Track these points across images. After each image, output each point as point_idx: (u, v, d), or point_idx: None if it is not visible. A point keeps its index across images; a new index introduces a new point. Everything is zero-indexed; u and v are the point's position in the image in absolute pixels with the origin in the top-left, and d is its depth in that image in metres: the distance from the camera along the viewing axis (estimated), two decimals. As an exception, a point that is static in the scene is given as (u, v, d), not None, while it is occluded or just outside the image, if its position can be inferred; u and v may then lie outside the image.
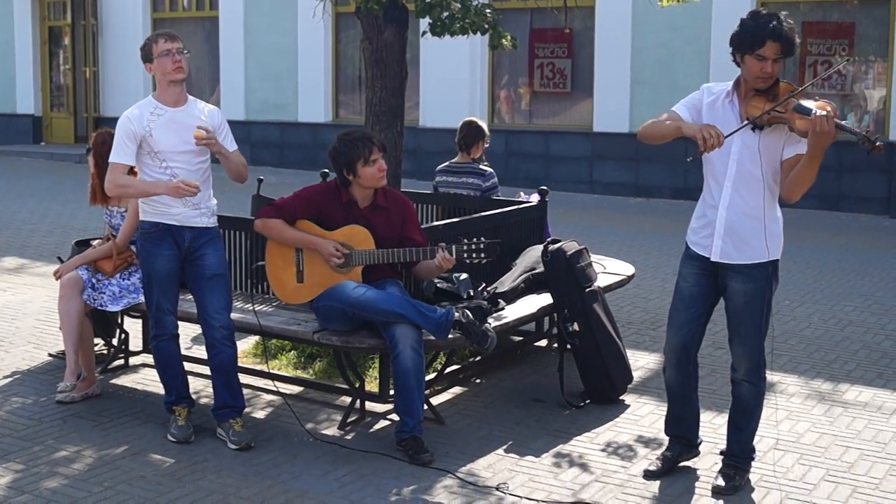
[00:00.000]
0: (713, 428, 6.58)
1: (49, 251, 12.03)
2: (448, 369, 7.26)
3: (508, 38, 8.24)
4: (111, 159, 6.32)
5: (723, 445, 5.97)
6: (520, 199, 8.79)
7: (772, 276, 5.62)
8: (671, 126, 5.51)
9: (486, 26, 7.78)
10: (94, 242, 7.56)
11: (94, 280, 7.18)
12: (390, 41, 8.12)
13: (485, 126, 9.13)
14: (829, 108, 5.18)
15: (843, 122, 5.17)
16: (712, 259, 5.62)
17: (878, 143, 5.12)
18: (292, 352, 7.88)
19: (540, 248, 7.59)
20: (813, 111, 5.16)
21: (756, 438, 5.94)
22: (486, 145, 9.10)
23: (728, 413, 5.93)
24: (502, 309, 7.07)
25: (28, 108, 25.14)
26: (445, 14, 7.61)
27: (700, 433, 6.14)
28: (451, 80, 19.28)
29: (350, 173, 6.45)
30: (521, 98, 19.57)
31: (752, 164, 5.46)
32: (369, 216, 6.50)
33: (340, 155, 6.47)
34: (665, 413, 6.13)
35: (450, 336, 6.24)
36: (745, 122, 5.38)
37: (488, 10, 7.80)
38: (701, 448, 6.14)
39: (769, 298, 5.65)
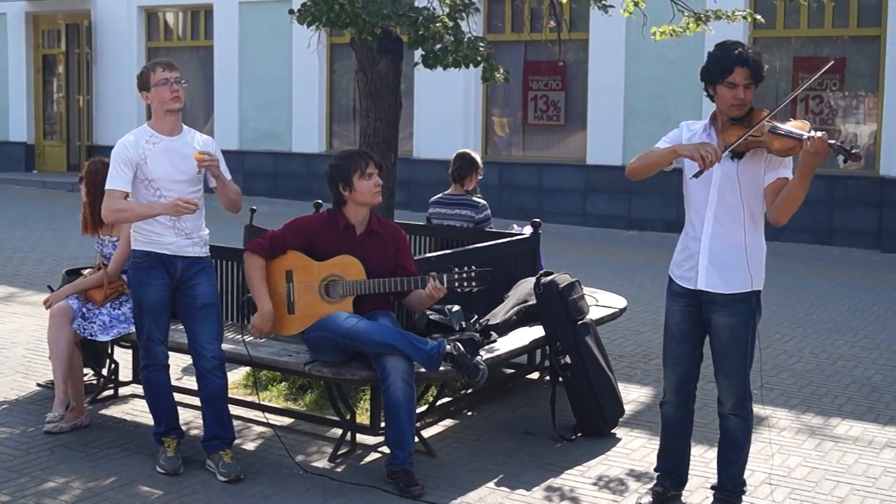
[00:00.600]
0: (704, 462, 6.56)
1: (39, 280, 11.99)
2: (440, 402, 7.23)
3: (501, 71, 8.25)
4: (108, 186, 6.29)
5: (714, 480, 5.95)
6: (513, 231, 8.80)
7: (755, 309, 5.63)
8: (665, 151, 5.53)
9: (479, 59, 7.80)
10: (85, 272, 7.54)
11: (84, 309, 7.16)
12: (384, 72, 8.13)
13: (478, 158, 9.18)
14: (807, 127, 5.30)
15: (831, 140, 5.23)
16: (697, 288, 5.62)
17: (853, 151, 5.21)
18: (283, 383, 7.85)
19: (532, 280, 7.59)
20: (793, 132, 5.28)
21: (747, 472, 5.93)
22: (480, 177, 9.13)
23: (717, 447, 5.91)
24: (494, 341, 7.05)
25: (21, 136, 25.14)
26: (438, 46, 7.62)
27: (690, 468, 6.12)
28: (446, 111, 19.32)
29: (346, 188, 6.46)
30: (514, 130, 19.60)
31: (732, 193, 5.49)
32: (364, 242, 6.51)
33: (337, 169, 6.50)
34: (658, 447, 6.11)
35: (441, 368, 6.22)
36: (725, 148, 5.40)
37: (481, 44, 7.82)
38: (692, 483, 6.13)
39: (753, 331, 5.65)
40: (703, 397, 7.69)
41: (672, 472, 6.02)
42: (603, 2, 8.65)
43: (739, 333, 5.61)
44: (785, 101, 5.89)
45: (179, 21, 23.37)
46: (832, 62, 5.98)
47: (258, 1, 18.97)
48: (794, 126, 5.36)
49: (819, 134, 5.18)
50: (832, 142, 5.23)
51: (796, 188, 5.34)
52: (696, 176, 5.37)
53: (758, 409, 7.65)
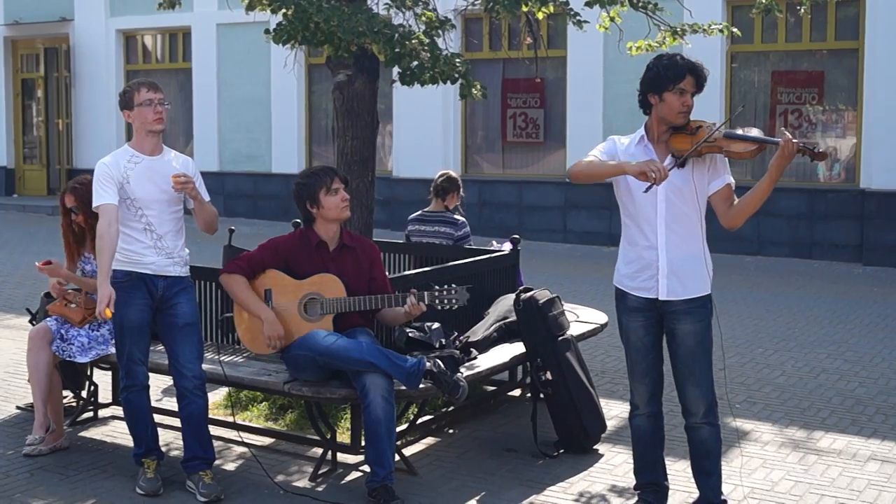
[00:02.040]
0: (687, 476, 6.53)
1: (19, 303, 11.92)
2: (420, 419, 7.20)
3: (478, 87, 8.26)
4: (98, 203, 6.16)
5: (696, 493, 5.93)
6: (492, 248, 8.79)
7: (710, 310, 5.77)
8: (612, 166, 5.56)
9: (456, 76, 7.80)
10: (66, 295, 7.46)
11: (62, 331, 7.11)
12: (361, 91, 8.12)
13: (460, 181, 9.26)
14: (759, 132, 5.54)
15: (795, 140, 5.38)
16: (660, 298, 5.66)
17: (818, 151, 5.38)
18: (264, 403, 7.81)
19: (512, 296, 7.57)
20: (749, 135, 5.50)
21: (730, 488, 5.93)
22: (460, 199, 9.19)
23: (691, 461, 5.89)
24: (474, 358, 7.03)
25: (0, 161, 25.04)
26: (415, 63, 7.62)
27: (671, 486, 6.11)
28: (425, 130, 19.32)
29: (314, 205, 6.46)
30: (494, 148, 19.60)
31: (681, 201, 5.58)
32: (339, 258, 6.50)
33: (303, 187, 6.51)
34: (634, 465, 6.09)
35: (421, 386, 6.20)
36: (677, 157, 5.52)
37: (458, 60, 7.82)
38: (675, 498, 6.10)
39: (711, 334, 5.77)
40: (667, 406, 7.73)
41: (653, 483, 5.99)
42: (578, 17, 8.65)
43: (705, 338, 5.72)
44: (733, 115, 5.94)
45: (158, 43, 23.34)
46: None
47: (236, 23, 18.90)
48: (747, 131, 5.57)
49: (789, 136, 5.34)
50: (797, 142, 5.38)
51: (763, 192, 5.48)
52: (646, 191, 5.42)
53: (741, 424, 7.67)
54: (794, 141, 5.30)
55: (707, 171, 5.60)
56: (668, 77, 5.53)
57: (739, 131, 5.57)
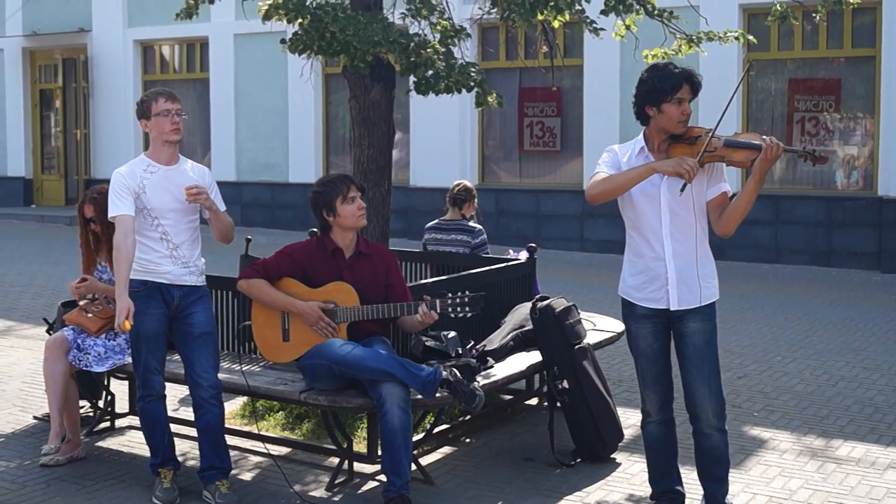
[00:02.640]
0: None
1: (37, 313, 11.95)
2: (437, 429, 7.19)
3: (494, 95, 8.26)
4: (113, 213, 6.19)
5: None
6: (509, 257, 8.79)
7: (715, 314, 5.78)
8: (641, 171, 5.56)
9: (472, 84, 7.79)
10: (81, 303, 7.48)
11: (79, 341, 7.12)
12: (377, 100, 8.13)
13: (475, 190, 9.32)
14: (758, 137, 5.49)
15: (788, 146, 5.43)
16: (672, 308, 5.67)
17: (819, 155, 5.44)
18: (280, 412, 7.81)
19: (529, 305, 7.56)
20: (752, 142, 5.46)
21: (748, 496, 5.90)
22: (475, 208, 9.24)
23: (699, 468, 5.88)
24: (491, 367, 7.01)
25: (19, 171, 25.14)
26: (430, 73, 7.62)
27: (687, 495, 6.08)
28: (442, 139, 19.33)
29: (330, 213, 6.45)
30: (511, 156, 19.60)
31: (683, 210, 5.61)
32: (354, 265, 6.50)
33: (319, 195, 6.50)
34: (649, 473, 6.08)
35: (438, 395, 6.19)
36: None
37: (473, 69, 7.81)
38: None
39: (716, 337, 5.79)
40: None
41: (669, 491, 5.98)
42: (594, 25, 8.65)
43: (712, 338, 5.73)
44: (723, 112, 5.87)
45: (175, 54, 23.42)
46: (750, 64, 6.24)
47: (253, 33, 18.98)
48: (747, 137, 5.56)
49: (774, 140, 5.36)
50: (793, 147, 5.45)
51: (750, 196, 5.50)
52: (682, 190, 5.44)
53: (759, 432, 7.64)
54: (780, 145, 5.34)
55: (706, 179, 5.62)
56: (664, 88, 5.56)
57: (741, 139, 5.58)
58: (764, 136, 5.45)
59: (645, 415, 5.95)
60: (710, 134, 5.52)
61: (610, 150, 5.82)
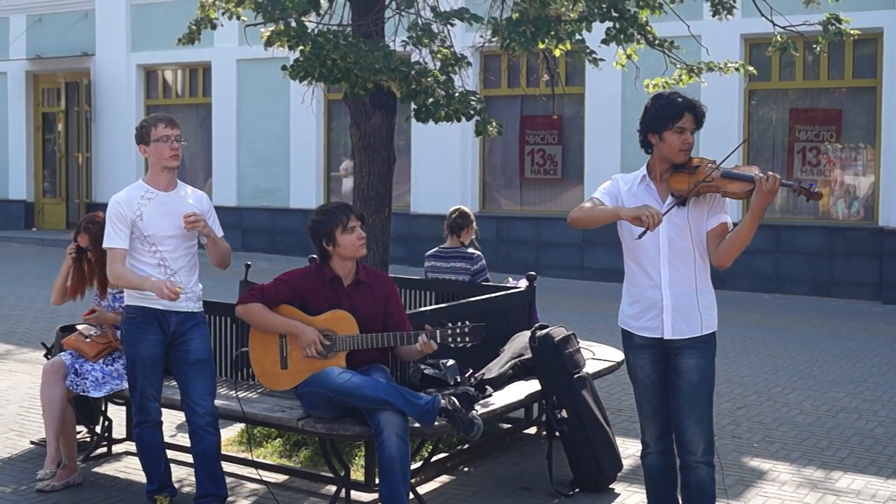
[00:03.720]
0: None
1: (36, 337, 11.93)
2: (435, 457, 7.15)
3: (493, 124, 8.27)
4: (107, 244, 6.25)
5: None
6: (508, 285, 8.77)
7: (714, 347, 5.72)
8: (608, 211, 5.58)
9: (472, 113, 7.80)
10: (80, 327, 7.47)
11: (76, 365, 7.10)
12: (378, 126, 8.14)
13: (472, 215, 9.28)
14: (756, 170, 5.46)
15: (784, 180, 5.40)
16: (666, 337, 5.63)
17: (814, 191, 5.43)
18: (278, 439, 7.79)
19: (528, 333, 7.54)
20: (748, 174, 5.44)
21: (747, 528, 5.85)
22: (474, 233, 9.21)
23: (683, 501, 5.83)
24: (489, 396, 6.99)
25: (20, 194, 25.18)
26: (430, 100, 7.63)
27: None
28: (443, 166, 19.36)
29: (329, 243, 6.43)
30: (511, 184, 19.61)
31: (682, 239, 5.58)
32: (353, 294, 6.47)
33: (319, 225, 6.47)
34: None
35: (436, 423, 6.16)
36: (677, 197, 5.54)
37: (472, 98, 7.82)
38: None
39: (714, 371, 5.73)
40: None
41: (668, 520, 5.94)
42: (594, 55, 8.66)
43: (708, 374, 5.67)
44: (731, 153, 5.89)
45: (178, 79, 23.48)
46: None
47: (256, 59, 18.99)
48: (744, 170, 5.54)
49: (771, 174, 5.34)
50: (789, 182, 5.41)
51: (748, 227, 5.47)
52: (639, 237, 5.43)
53: (758, 463, 7.61)
54: (776, 178, 5.31)
55: (707, 209, 5.61)
56: (666, 116, 5.57)
57: (737, 171, 5.55)
58: (768, 172, 5.41)
59: (644, 445, 5.92)
60: (715, 166, 5.51)
61: (613, 179, 5.83)
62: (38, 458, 7.49)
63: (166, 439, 6.66)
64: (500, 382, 7.28)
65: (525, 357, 7.51)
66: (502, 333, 7.95)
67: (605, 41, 8.48)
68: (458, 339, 6.29)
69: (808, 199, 5.48)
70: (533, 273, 8.74)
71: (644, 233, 5.34)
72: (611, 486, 7.17)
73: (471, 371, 7.15)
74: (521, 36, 7.62)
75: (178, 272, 6.26)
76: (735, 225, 5.63)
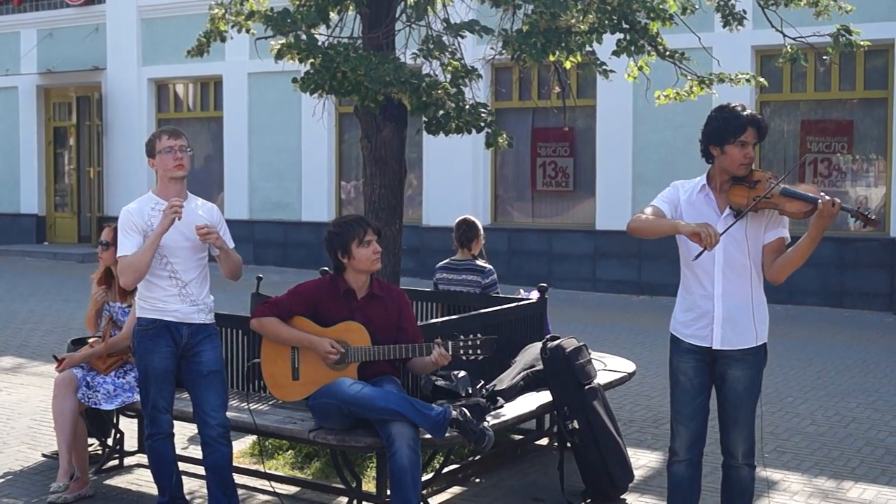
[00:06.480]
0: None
1: (48, 351, 11.96)
2: (446, 468, 7.15)
3: (504, 136, 8.27)
4: (120, 253, 6.26)
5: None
6: (519, 297, 8.76)
7: (763, 359, 5.76)
8: (667, 225, 5.57)
9: (482, 125, 7.81)
10: (91, 341, 7.50)
11: (88, 378, 7.12)
12: (388, 139, 8.15)
13: (479, 223, 9.25)
14: (816, 190, 5.46)
15: (844, 205, 5.39)
16: (714, 347, 5.62)
17: (872, 218, 5.44)
18: (290, 451, 7.79)
19: (539, 345, 7.54)
20: (808, 195, 5.42)
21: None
22: (483, 242, 9.19)
23: (722, 499, 5.83)
24: (501, 407, 6.99)
25: (32, 209, 25.26)
26: (441, 113, 7.64)
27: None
28: (454, 179, 19.38)
29: (345, 255, 6.44)
30: (523, 196, 19.62)
31: (738, 251, 5.58)
32: (366, 307, 6.47)
33: (335, 236, 6.48)
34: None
35: (447, 434, 6.16)
36: (738, 213, 5.52)
37: (483, 110, 7.83)
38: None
39: (761, 381, 5.76)
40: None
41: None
42: (605, 67, 8.67)
43: (754, 384, 5.69)
44: (793, 168, 5.93)
45: (189, 92, 23.55)
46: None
47: (267, 72, 19.07)
48: (805, 189, 5.50)
49: (831, 198, 5.33)
50: (848, 207, 5.41)
51: (804, 249, 5.50)
52: (695, 258, 5.44)
53: (769, 473, 7.60)
54: (837, 201, 5.31)
55: (765, 222, 5.61)
56: (729, 130, 5.56)
57: (798, 190, 5.52)
58: (831, 197, 5.39)
59: (672, 453, 5.87)
60: (778, 181, 5.49)
61: (673, 185, 5.84)
62: (50, 471, 7.51)
63: (178, 451, 6.66)
64: (511, 393, 7.28)
65: (536, 368, 7.51)
66: (514, 345, 7.95)
67: (615, 53, 8.48)
68: (470, 352, 6.30)
69: (865, 225, 5.50)
70: (544, 285, 8.74)
71: (701, 253, 5.36)
72: (622, 497, 7.16)
73: (482, 382, 7.14)
74: (532, 48, 7.62)
75: (189, 284, 6.28)
76: (793, 240, 5.63)
